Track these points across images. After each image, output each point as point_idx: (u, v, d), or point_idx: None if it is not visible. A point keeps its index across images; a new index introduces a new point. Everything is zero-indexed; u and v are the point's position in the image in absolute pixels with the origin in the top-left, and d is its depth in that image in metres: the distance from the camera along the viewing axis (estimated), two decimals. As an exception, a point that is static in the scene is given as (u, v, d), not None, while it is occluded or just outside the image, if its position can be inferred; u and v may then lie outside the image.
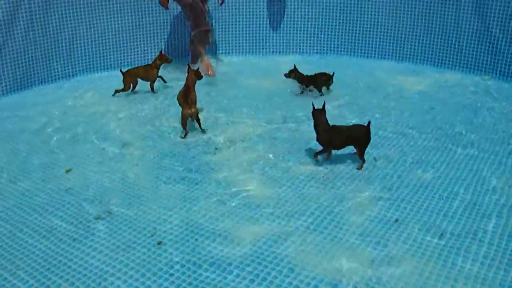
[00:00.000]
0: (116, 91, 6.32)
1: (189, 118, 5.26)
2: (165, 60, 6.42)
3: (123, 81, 6.29)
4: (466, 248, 3.55)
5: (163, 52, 6.50)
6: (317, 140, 4.65)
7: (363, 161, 4.58)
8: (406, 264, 3.40)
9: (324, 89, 6.37)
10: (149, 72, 6.40)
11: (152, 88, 6.41)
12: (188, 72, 5.44)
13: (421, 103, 6.13)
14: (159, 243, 3.65)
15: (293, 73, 6.40)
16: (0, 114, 5.92)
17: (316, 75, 6.39)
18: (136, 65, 6.80)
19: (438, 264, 3.40)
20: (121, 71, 6.31)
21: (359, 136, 4.55)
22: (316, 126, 4.64)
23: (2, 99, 6.35)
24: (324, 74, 6.37)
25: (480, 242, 3.61)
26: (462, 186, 4.31)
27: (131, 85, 6.35)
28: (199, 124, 5.28)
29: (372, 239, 3.65)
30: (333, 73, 6.35)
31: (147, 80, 6.43)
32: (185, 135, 5.23)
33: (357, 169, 4.56)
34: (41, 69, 6.78)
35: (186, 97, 5.18)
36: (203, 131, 5.30)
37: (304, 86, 6.41)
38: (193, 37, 7.03)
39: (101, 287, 3.24)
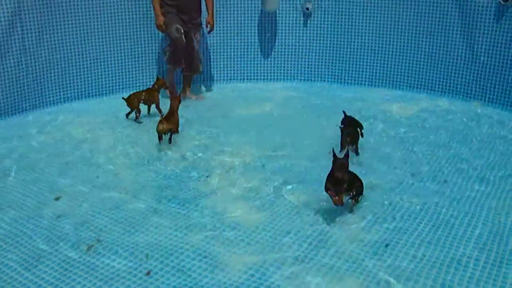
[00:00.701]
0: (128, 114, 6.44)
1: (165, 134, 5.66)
2: (163, 85, 6.48)
3: (129, 105, 6.36)
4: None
5: (159, 77, 6.57)
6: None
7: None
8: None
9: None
10: (151, 95, 6.45)
11: (159, 111, 6.36)
12: (171, 98, 5.94)
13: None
14: (148, 273, 3.62)
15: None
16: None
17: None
18: (130, 91, 6.89)
19: None
20: (123, 98, 6.36)
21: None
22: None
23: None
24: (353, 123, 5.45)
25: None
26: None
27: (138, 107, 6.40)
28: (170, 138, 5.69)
29: (364, 267, 3.64)
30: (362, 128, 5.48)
31: (151, 103, 6.48)
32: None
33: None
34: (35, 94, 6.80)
35: (167, 118, 5.69)
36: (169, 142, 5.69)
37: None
38: (169, 68, 7.26)
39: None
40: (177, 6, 6.90)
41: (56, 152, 5.58)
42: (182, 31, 6.92)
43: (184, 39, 6.94)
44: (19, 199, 4.63)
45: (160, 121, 5.60)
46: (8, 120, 6.48)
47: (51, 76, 6.91)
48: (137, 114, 6.38)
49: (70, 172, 5.15)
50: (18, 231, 4.12)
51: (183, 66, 7.20)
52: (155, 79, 6.66)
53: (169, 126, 5.65)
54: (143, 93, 6.47)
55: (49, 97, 6.95)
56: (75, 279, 3.56)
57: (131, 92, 6.61)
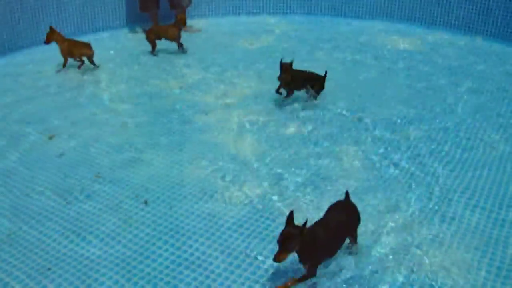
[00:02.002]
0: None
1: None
2: (181, 20, 6.30)
3: (148, 39, 6.32)
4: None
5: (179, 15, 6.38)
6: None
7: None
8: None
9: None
10: (170, 31, 6.31)
11: (178, 46, 6.37)
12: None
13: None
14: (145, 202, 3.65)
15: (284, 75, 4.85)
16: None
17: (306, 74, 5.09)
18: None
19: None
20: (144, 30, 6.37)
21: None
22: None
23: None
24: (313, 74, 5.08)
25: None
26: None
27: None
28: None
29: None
30: (325, 74, 5.01)
31: (171, 39, 6.36)
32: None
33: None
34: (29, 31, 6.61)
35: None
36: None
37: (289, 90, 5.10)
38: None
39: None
40: None
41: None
42: None
43: None
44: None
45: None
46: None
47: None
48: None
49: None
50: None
51: (157, 9, 7.15)
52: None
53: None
54: (163, 28, 6.41)
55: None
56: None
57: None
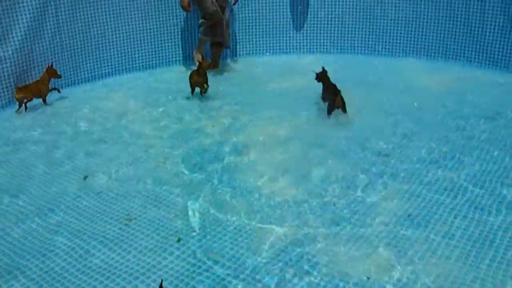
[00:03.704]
0: None
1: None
2: (54, 75, 6.31)
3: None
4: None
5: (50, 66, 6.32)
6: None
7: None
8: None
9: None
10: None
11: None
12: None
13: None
14: (178, 240, 3.73)
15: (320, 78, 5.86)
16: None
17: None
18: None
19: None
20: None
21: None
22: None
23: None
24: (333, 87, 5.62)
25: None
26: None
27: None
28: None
29: None
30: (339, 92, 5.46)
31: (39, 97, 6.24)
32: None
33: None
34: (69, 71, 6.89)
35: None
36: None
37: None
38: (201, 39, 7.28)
39: None
40: None
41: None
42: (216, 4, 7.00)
43: (217, 7, 7.02)
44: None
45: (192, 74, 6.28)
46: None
47: (85, 53, 7.03)
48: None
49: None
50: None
51: (221, 39, 7.25)
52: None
53: (199, 79, 6.22)
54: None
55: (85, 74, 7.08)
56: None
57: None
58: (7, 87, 6.26)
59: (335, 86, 5.58)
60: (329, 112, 5.49)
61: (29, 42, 6.40)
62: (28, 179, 4.66)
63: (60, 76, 6.41)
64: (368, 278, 3.27)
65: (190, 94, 6.33)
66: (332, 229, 3.79)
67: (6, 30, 6.19)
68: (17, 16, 6.26)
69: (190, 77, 6.34)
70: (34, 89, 6.15)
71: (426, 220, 3.86)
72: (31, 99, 6.12)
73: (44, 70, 6.28)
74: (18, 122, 5.85)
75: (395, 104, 5.97)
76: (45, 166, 4.90)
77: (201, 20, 7.22)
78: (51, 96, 6.35)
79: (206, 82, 6.31)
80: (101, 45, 7.13)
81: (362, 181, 4.40)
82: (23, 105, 6.06)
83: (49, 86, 6.30)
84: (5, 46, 6.20)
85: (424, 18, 7.45)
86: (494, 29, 6.95)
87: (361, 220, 3.89)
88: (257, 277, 3.34)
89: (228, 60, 7.80)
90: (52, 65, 6.31)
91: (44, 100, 6.25)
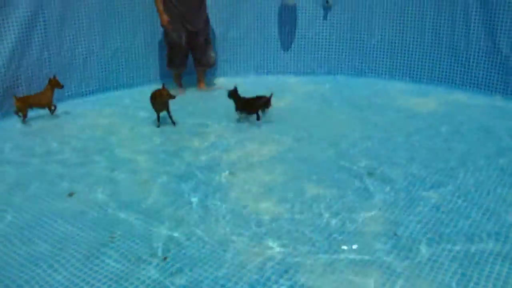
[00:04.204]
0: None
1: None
2: (56, 85, 6.37)
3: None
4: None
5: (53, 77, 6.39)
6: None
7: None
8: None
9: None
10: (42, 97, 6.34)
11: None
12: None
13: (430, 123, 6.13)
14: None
15: (232, 96, 6.11)
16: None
17: (253, 99, 6.06)
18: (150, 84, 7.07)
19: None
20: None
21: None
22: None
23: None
24: (261, 97, 6.03)
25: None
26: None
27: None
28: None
29: None
30: (271, 95, 6.00)
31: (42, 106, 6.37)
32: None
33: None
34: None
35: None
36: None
37: (239, 112, 6.12)
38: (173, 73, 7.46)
39: None
40: (179, 15, 7.02)
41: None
42: (183, 36, 7.07)
43: (183, 41, 7.09)
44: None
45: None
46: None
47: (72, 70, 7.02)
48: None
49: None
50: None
51: (185, 68, 7.37)
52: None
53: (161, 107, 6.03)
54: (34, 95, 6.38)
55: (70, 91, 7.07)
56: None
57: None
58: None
59: (256, 96, 6.02)
60: (259, 117, 6.05)
61: (17, 57, 6.42)
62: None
63: (62, 86, 6.45)
64: None
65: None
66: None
67: (-6, 46, 6.21)
68: (5, 31, 6.27)
69: (152, 104, 6.07)
70: (32, 99, 6.27)
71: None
72: (29, 108, 6.25)
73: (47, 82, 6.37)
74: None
75: (382, 123, 6.09)
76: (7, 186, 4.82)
77: (166, 54, 7.36)
78: (32, 112, 6.36)
79: (167, 109, 6.08)
80: (88, 62, 7.14)
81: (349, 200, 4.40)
82: (22, 114, 6.21)
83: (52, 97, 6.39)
84: (-8, 61, 6.22)
85: (410, 41, 7.57)
86: (478, 52, 7.06)
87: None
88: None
89: (220, 80, 7.84)
90: (54, 77, 6.39)
91: (50, 109, 6.40)
